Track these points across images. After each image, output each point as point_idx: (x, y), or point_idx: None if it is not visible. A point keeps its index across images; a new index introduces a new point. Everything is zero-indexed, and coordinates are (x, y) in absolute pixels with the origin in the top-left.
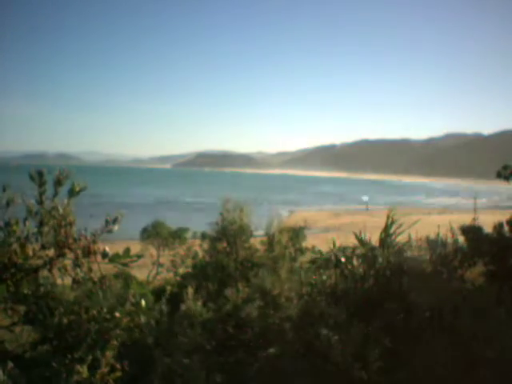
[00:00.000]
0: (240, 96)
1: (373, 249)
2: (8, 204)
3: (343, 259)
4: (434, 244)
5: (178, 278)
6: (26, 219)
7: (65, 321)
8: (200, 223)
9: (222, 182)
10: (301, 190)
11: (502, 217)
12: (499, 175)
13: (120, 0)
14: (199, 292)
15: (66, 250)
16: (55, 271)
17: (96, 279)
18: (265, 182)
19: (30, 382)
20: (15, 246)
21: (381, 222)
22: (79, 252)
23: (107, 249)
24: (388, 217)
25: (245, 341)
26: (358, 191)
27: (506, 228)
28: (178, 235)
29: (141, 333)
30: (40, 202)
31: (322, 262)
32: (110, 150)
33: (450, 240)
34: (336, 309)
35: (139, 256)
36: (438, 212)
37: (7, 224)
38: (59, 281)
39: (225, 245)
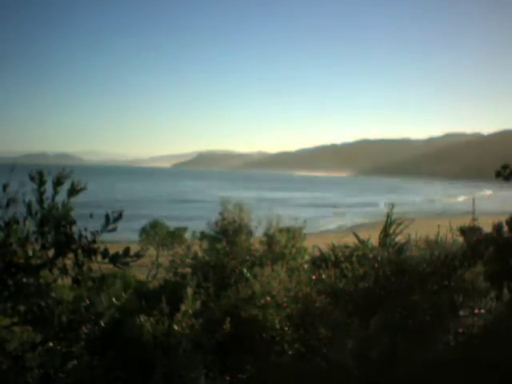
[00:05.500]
0: (240, 96)
1: (373, 249)
2: (8, 204)
3: (343, 259)
4: (433, 244)
5: (178, 279)
6: (25, 219)
7: (65, 321)
8: None
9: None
10: None
11: None
12: (499, 175)
13: (123, 0)
14: (199, 292)
15: (66, 250)
16: (55, 271)
17: (96, 279)
18: None
19: (30, 382)
20: (15, 245)
21: None
22: (79, 252)
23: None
24: (387, 216)
25: (244, 340)
26: None
27: (506, 228)
28: (177, 235)
29: (141, 332)
30: (40, 202)
31: (322, 262)
32: (110, 150)
33: (449, 240)
34: (336, 308)
35: (139, 255)
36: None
37: (7, 224)
38: (59, 281)
39: (224, 244)
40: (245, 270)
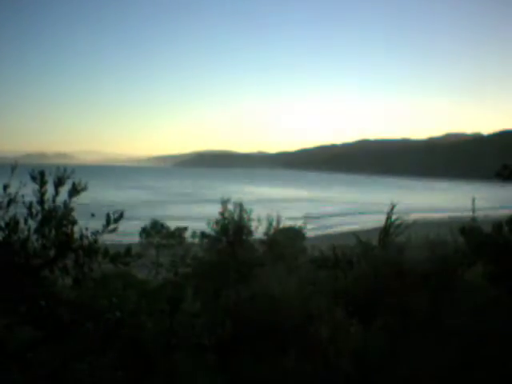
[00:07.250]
0: (240, 97)
1: (373, 249)
2: (9, 204)
3: (343, 259)
4: (433, 244)
5: (178, 279)
6: (26, 219)
7: (65, 320)
8: None
9: None
10: None
11: None
12: (498, 175)
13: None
14: (199, 292)
15: (67, 250)
16: (56, 271)
17: (97, 279)
18: None
19: (30, 382)
20: (16, 246)
21: None
22: (80, 252)
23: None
24: (387, 217)
25: (244, 340)
26: None
27: (506, 228)
28: (177, 234)
29: (142, 332)
30: (41, 202)
31: (323, 262)
32: (109, 150)
33: (449, 240)
34: (336, 308)
35: (139, 256)
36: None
37: (8, 224)
38: (60, 281)
39: (225, 245)
40: (245, 270)
